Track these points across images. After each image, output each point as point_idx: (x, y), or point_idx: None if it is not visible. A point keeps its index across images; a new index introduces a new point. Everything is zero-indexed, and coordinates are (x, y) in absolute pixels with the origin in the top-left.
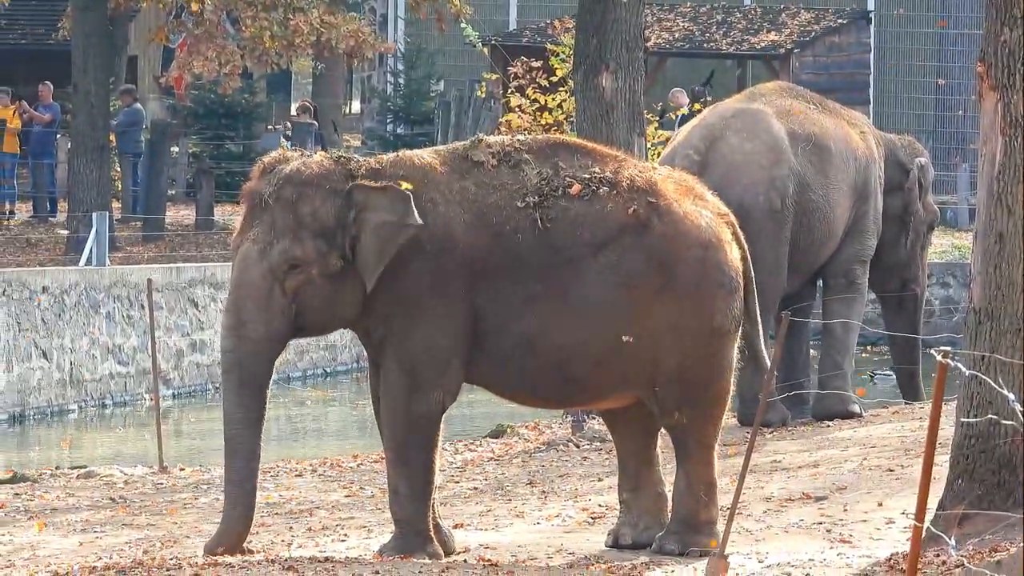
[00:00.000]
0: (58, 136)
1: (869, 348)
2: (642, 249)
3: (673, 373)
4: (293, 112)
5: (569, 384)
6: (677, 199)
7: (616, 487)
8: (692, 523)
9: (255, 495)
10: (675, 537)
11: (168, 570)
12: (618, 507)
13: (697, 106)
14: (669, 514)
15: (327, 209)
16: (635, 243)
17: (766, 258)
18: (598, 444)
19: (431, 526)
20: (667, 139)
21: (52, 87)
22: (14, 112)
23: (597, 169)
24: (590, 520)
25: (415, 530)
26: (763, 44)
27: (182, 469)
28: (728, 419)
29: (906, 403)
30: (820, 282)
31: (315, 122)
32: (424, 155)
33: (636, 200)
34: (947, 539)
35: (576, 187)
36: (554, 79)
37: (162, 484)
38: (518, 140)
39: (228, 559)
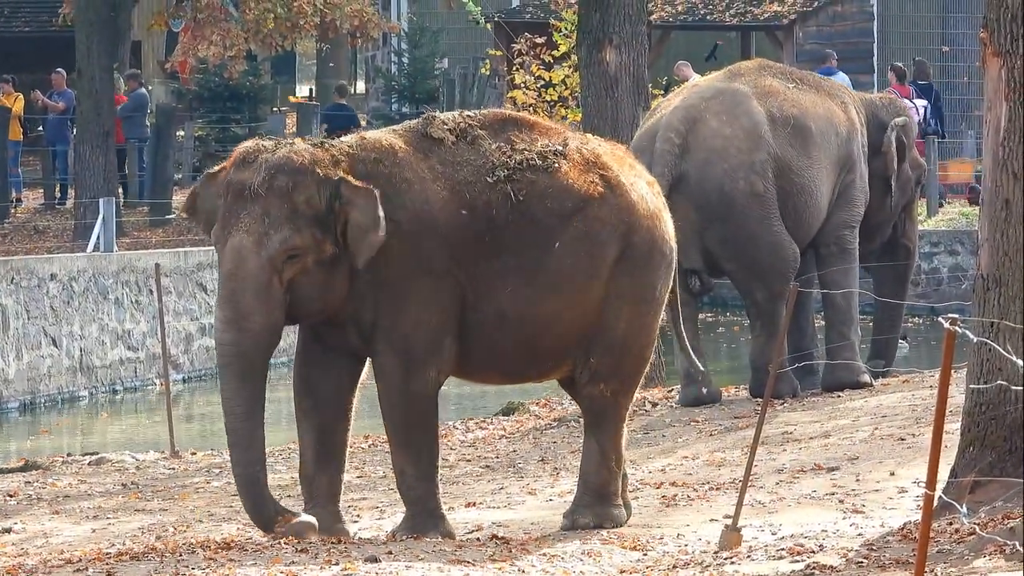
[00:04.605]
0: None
1: None
2: (604, 220)
3: (614, 342)
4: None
5: (535, 357)
6: (620, 170)
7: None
8: (604, 494)
9: (265, 480)
10: (588, 511)
11: (181, 555)
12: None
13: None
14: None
15: (321, 196)
16: (597, 214)
17: (763, 239)
18: None
19: (441, 504)
20: None
21: (65, 74)
22: (14, 99)
23: (546, 142)
24: None
25: (426, 509)
26: (766, 15)
27: (193, 454)
28: (739, 391)
29: (869, 364)
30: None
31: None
32: (387, 136)
33: (590, 172)
34: (959, 507)
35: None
36: (557, 54)
37: (174, 469)
38: (467, 115)
39: (241, 542)
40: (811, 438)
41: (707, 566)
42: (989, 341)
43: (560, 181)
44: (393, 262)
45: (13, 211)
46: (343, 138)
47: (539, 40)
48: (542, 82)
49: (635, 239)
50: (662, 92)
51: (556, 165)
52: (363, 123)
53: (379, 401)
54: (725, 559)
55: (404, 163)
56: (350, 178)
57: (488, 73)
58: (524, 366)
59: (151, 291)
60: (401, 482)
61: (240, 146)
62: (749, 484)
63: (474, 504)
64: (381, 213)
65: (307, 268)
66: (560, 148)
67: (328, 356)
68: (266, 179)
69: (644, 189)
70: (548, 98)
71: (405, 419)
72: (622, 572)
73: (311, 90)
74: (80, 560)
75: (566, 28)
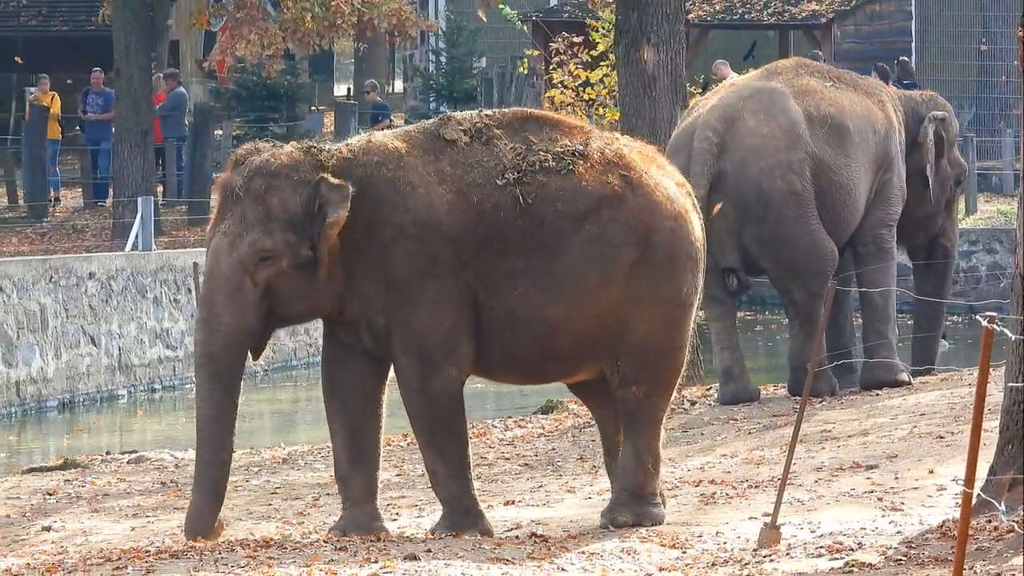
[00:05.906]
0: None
1: None
2: (621, 222)
3: (639, 344)
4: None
5: (549, 359)
6: (646, 170)
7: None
8: (641, 495)
9: (224, 485)
10: (626, 509)
11: (221, 553)
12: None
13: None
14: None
15: (296, 200)
16: (614, 216)
17: (800, 238)
18: None
19: (477, 501)
20: None
21: (103, 73)
22: (52, 99)
23: (567, 142)
24: None
25: (462, 507)
26: (804, 14)
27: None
28: (778, 389)
29: (914, 369)
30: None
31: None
32: (395, 139)
33: (610, 173)
34: (998, 505)
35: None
36: (595, 53)
37: None
38: (486, 115)
39: (280, 540)
40: (850, 436)
41: (746, 564)
42: None
43: (574, 183)
44: (399, 265)
45: (52, 210)
46: (349, 140)
47: (577, 39)
48: (580, 81)
49: (656, 240)
50: (700, 91)
51: (572, 167)
52: (402, 120)
53: (403, 403)
54: (764, 557)
55: (409, 166)
56: (328, 176)
57: (526, 72)
58: (539, 367)
59: (189, 290)
60: (434, 482)
61: (239, 148)
62: (788, 482)
63: (513, 502)
64: (346, 209)
65: (282, 271)
66: (580, 148)
67: (352, 356)
68: (246, 182)
69: (671, 189)
70: (586, 97)
71: (429, 420)
72: (661, 570)
73: (349, 89)
74: (119, 558)
75: (604, 27)
